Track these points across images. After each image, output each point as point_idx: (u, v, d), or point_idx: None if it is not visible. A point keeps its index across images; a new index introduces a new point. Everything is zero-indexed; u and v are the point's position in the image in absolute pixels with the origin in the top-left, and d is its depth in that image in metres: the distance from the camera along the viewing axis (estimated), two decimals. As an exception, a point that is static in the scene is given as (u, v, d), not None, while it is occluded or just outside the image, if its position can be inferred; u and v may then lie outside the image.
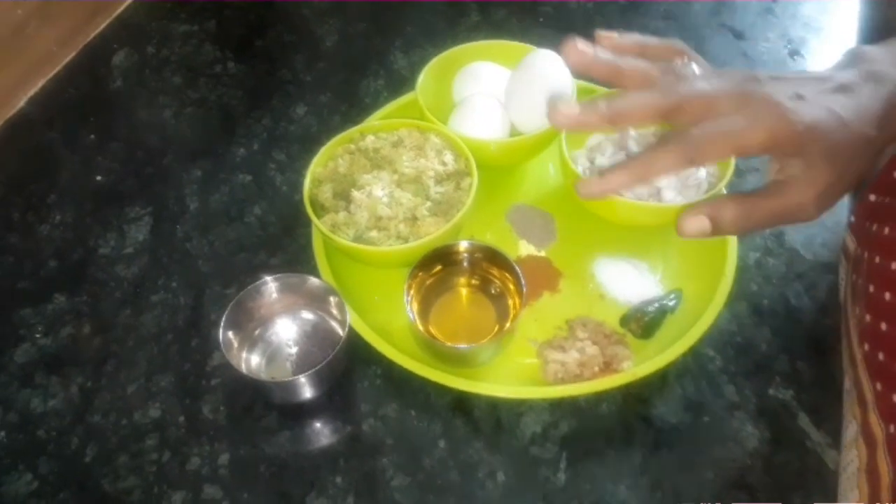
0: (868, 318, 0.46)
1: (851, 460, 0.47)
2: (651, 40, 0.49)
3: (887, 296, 0.44)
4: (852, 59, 0.46)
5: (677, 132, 0.44)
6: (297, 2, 0.87)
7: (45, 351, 0.57)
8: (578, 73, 0.47)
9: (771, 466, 0.51)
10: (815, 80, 0.45)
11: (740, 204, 0.45)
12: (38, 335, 0.58)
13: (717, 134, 0.43)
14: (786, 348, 0.56)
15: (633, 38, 0.49)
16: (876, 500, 0.44)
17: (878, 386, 0.45)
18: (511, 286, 0.57)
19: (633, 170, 0.45)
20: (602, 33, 0.49)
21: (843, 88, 0.44)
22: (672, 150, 0.44)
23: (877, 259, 0.46)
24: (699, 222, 0.45)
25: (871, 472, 0.45)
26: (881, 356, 0.45)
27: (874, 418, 0.45)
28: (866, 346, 0.47)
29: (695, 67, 0.47)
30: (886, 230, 0.46)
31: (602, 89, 0.66)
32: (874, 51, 0.46)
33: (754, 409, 0.53)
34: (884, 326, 0.45)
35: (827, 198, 0.44)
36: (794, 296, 0.59)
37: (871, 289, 0.46)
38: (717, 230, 0.45)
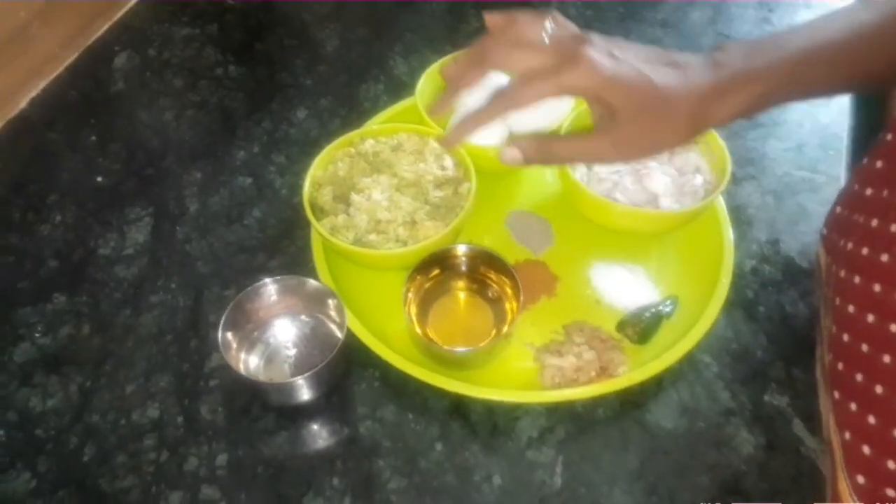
0: (834, 329, 0.47)
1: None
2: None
3: (851, 308, 0.45)
4: (712, 50, 0.49)
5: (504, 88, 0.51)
6: (297, 6, 0.87)
7: (45, 350, 0.58)
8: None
9: (765, 472, 0.51)
10: (648, 51, 0.48)
11: (545, 142, 0.53)
12: (37, 335, 0.58)
13: (532, 84, 0.48)
14: (781, 355, 0.57)
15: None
16: None
17: (836, 394, 0.46)
18: (508, 290, 0.57)
19: (473, 120, 0.52)
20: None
21: (671, 63, 0.47)
22: (498, 102, 0.50)
23: (842, 273, 0.47)
24: (512, 152, 0.52)
25: (833, 478, 0.46)
26: (840, 366, 0.46)
27: (833, 426, 0.46)
28: (830, 356, 0.48)
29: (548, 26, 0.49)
30: (850, 245, 0.47)
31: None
32: (732, 45, 0.49)
33: (749, 415, 0.54)
34: (846, 337, 0.46)
35: (626, 148, 0.49)
36: (789, 303, 0.60)
37: (838, 301, 0.47)
38: (527, 160, 0.52)
